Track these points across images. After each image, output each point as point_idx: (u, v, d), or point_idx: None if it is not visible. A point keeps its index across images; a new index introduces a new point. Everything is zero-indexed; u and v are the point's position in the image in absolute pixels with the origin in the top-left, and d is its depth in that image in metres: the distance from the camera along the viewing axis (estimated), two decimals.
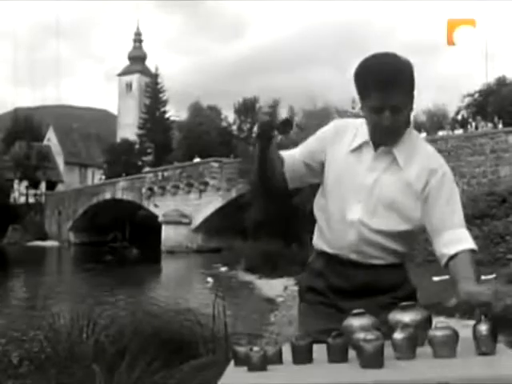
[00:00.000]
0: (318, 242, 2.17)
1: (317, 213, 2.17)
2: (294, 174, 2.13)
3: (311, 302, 2.15)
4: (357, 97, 2.02)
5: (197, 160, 43.99)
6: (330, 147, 2.09)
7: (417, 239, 2.16)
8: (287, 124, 1.92)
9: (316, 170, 2.12)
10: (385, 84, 1.89)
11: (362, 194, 2.01)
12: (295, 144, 2.28)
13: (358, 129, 2.07)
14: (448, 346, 1.66)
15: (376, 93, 1.90)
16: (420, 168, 2.00)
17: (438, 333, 1.68)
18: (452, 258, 1.91)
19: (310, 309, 2.15)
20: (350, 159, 2.05)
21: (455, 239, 1.93)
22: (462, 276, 1.83)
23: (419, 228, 2.04)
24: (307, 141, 2.17)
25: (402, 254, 2.10)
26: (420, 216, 2.00)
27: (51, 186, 64.06)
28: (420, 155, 2.02)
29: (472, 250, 1.92)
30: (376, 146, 2.02)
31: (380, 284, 2.05)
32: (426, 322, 1.80)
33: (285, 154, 2.13)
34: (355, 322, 1.80)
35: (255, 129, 2.04)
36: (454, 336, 1.67)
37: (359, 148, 2.04)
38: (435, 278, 12.37)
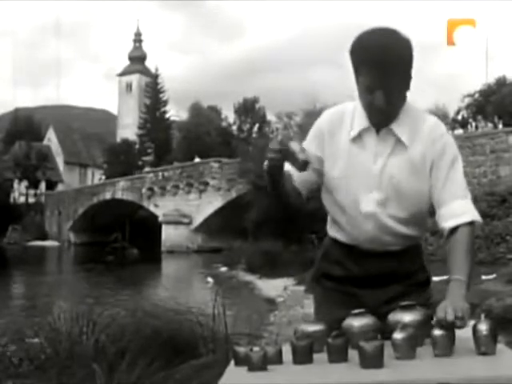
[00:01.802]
0: (332, 231, 2.14)
1: (326, 206, 2.12)
2: (306, 185, 2.05)
3: (326, 288, 2.14)
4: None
5: (197, 160, 44.01)
6: (329, 140, 2.02)
7: (427, 221, 2.11)
8: (304, 165, 1.81)
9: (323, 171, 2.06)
10: (380, 64, 1.82)
11: (372, 184, 1.97)
12: None
13: (355, 114, 2.00)
14: (447, 345, 1.67)
15: (371, 72, 1.84)
16: (423, 143, 1.95)
17: (438, 332, 1.68)
18: (451, 233, 1.90)
19: (326, 295, 2.14)
20: (353, 149, 1.98)
21: (453, 213, 1.91)
22: (452, 281, 1.81)
23: (430, 206, 2.01)
24: (305, 145, 2.04)
25: (417, 237, 2.10)
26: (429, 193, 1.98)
27: (51, 185, 64.08)
28: (421, 129, 1.97)
29: (470, 223, 1.90)
30: (376, 129, 1.96)
31: (397, 270, 2.05)
32: (427, 322, 1.80)
33: (290, 168, 1.99)
34: (355, 322, 1.81)
35: (265, 164, 1.86)
36: (452, 335, 1.68)
37: (359, 135, 1.98)
38: (435, 278, 12.38)
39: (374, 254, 2.04)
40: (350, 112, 2.02)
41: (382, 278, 2.04)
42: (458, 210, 1.92)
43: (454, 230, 1.90)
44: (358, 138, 1.98)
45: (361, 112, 1.98)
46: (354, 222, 2.03)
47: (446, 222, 1.91)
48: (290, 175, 1.98)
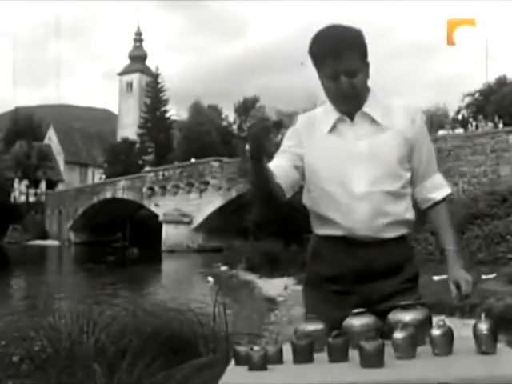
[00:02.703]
0: (320, 228, 2.13)
1: (312, 204, 2.14)
2: (289, 181, 2.07)
3: (320, 289, 2.12)
4: None
5: (193, 160, 44.04)
6: (307, 136, 2.12)
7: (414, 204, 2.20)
8: (279, 125, 1.85)
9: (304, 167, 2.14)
10: (336, 50, 1.97)
11: (359, 166, 2.03)
12: None
13: (327, 111, 2.12)
14: (446, 344, 1.67)
15: (329, 60, 1.98)
16: (401, 119, 2.09)
17: (436, 331, 1.68)
18: (434, 205, 2.17)
19: (320, 296, 2.12)
20: (331, 140, 2.08)
21: (434, 186, 2.17)
22: (448, 249, 2.13)
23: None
24: (283, 145, 2.15)
25: (408, 221, 2.11)
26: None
27: (51, 185, 64.09)
28: (395, 109, 2.12)
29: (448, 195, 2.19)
30: (350, 116, 2.07)
31: (388, 264, 2.05)
32: (426, 322, 1.80)
33: (272, 165, 2.04)
34: (356, 321, 1.80)
35: (246, 147, 1.89)
36: (450, 334, 1.69)
37: (334, 127, 2.08)
38: (435, 278, 12.37)
39: (367, 244, 2.03)
40: (321, 111, 2.17)
41: (373, 273, 2.04)
42: (439, 183, 2.18)
43: (435, 205, 2.17)
44: (333, 130, 2.09)
45: (330, 107, 2.10)
46: (347, 208, 2.03)
47: (432, 193, 2.16)
48: (272, 172, 1.99)
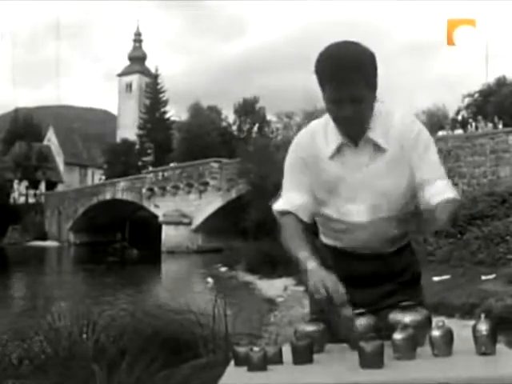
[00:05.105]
0: (323, 238, 2.18)
1: (316, 217, 2.14)
2: (312, 215, 2.09)
3: None
4: None
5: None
6: (310, 162, 2.04)
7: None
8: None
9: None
10: (341, 75, 1.85)
11: (360, 194, 2.00)
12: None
13: (327, 131, 2.03)
14: (446, 345, 1.67)
15: (333, 84, 1.87)
16: (397, 137, 1.98)
17: (436, 332, 1.69)
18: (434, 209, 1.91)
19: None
20: (333, 166, 2.00)
21: (437, 191, 1.93)
22: None
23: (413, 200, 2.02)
24: (295, 176, 2.08)
25: (406, 237, 2.12)
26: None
27: (51, 186, 64.05)
28: (393, 126, 1.99)
29: (452, 199, 1.92)
30: (354, 141, 1.98)
31: (388, 271, 2.06)
32: (426, 322, 1.80)
33: (295, 204, 2.06)
34: (356, 322, 1.80)
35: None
36: (450, 335, 1.69)
37: (337, 151, 2.00)
38: (435, 278, 12.38)
39: (366, 257, 2.07)
40: (321, 130, 2.05)
41: (372, 278, 2.05)
42: (441, 188, 1.94)
43: (437, 205, 1.91)
44: (336, 154, 2.00)
45: (333, 128, 2.00)
46: (346, 232, 2.06)
47: (432, 199, 1.93)
48: (296, 222, 2.04)
